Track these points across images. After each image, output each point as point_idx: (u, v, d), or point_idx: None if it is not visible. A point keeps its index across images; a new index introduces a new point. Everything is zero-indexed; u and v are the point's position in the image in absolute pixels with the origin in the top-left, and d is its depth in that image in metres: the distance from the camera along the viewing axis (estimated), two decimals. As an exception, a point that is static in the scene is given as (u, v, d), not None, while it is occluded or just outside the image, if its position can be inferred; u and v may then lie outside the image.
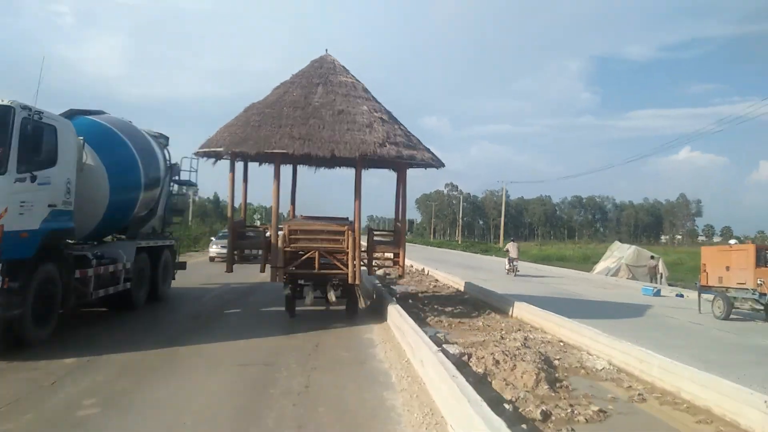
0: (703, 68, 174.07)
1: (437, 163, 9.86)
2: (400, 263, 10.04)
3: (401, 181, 10.31)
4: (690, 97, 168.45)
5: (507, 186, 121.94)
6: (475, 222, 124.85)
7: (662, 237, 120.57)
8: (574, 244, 60.66)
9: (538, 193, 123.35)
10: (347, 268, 9.04)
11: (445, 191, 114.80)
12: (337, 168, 12.99)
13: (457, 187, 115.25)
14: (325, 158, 11.68)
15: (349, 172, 12.55)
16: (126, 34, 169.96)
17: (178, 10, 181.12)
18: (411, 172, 11.21)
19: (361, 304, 9.38)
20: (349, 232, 9.18)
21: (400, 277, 10.72)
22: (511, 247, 21.08)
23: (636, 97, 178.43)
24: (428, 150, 9.84)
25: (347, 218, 11.86)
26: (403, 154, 9.01)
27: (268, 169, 10.44)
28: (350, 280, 9.02)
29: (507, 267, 20.47)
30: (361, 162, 9.26)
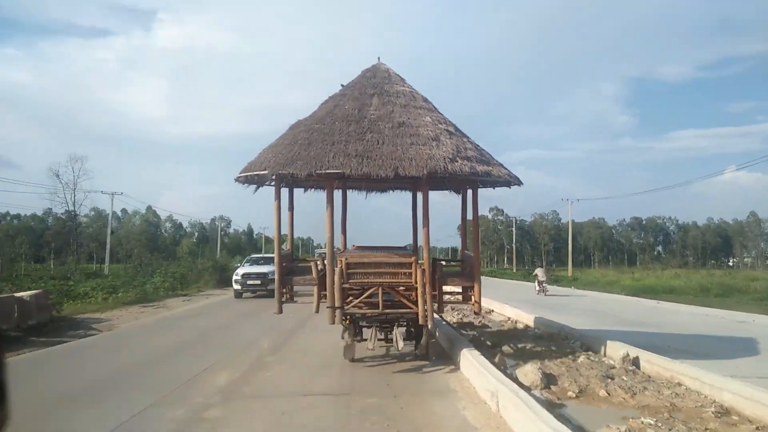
0: (744, 86, 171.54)
1: (515, 180, 8.78)
2: (476, 298, 8.88)
3: (473, 202, 9.26)
4: (732, 116, 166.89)
5: (559, 208, 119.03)
6: (523, 248, 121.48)
7: (731, 260, 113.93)
8: (670, 270, 52.06)
9: (590, 216, 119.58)
10: (416, 306, 8.00)
11: (490, 216, 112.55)
12: (391, 192, 12.19)
13: (502, 212, 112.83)
14: (381, 179, 11.13)
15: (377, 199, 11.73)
16: (166, 77, 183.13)
17: (216, 53, 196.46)
18: (442, 196, 10.20)
19: (423, 350, 8.28)
20: (417, 264, 8.17)
21: (476, 314, 9.52)
22: (540, 272, 25.80)
23: (675, 117, 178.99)
24: (503, 165, 8.79)
25: (406, 247, 10.91)
26: (477, 170, 7.98)
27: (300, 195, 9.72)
28: (421, 321, 7.95)
29: (537, 289, 24.72)
30: (428, 181, 8.28)
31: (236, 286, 21.92)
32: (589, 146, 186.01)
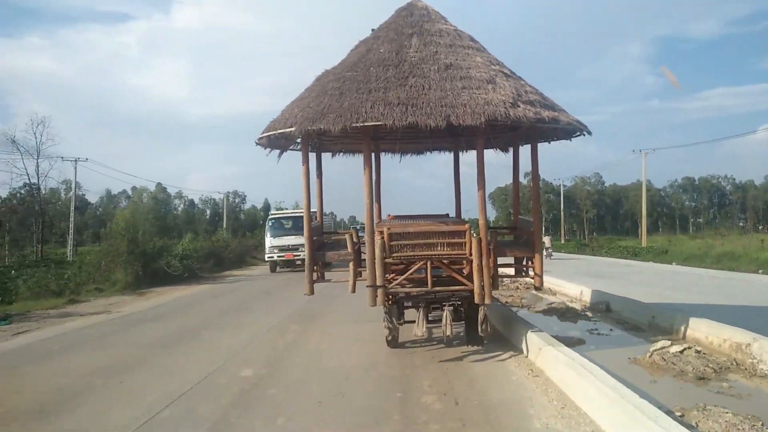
0: None
1: (584, 129, 7.92)
2: (536, 271, 8.12)
3: (533, 158, 8.43)
4: (764, 72, 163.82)
5: (605, 170, 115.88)
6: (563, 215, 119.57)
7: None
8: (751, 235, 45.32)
9: (635, 178, 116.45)
10: (471, 282, 7.30)
11: (525, 181, 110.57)
12: (428, 153, 11.44)
13: (540, 176, 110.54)
14: (421, 137, 10.38)
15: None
16: (187, 58, 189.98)
17: (235, 32, 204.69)
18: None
19: (484, 330, 7.56)
20: (471, 232, 7.44)
21: (538, 289, 8.78)
22: (546, 240, 29.50)
23: (705, 76, 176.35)
24: (566, 111, 7.91)
25: (447, 214, 10.22)
26: (543, 116, 7.12)
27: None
28: (477, 300, 7.26)
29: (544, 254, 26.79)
30: (483, 132, 7.47)
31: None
32: (617, 109, 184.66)
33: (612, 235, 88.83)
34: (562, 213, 78.15)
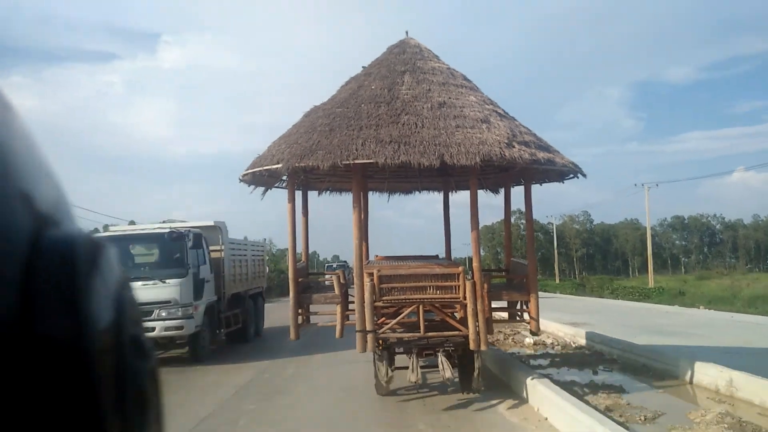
0: (751, 85, 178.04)
1: (579, 171, 8.01)
2: (532, 315, 8.08)
3: (526, 199, 8.50)
4: (739, 116, 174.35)
5: (593, 208, 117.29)
6: (551, 254, 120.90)
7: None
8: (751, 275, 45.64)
9: (622, 217, 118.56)
10: (466, 327, 7.21)
11: (513, 220, 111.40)
12: (419, 193, 11.51)
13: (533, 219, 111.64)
14: (410, 176, 10.43)
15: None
16: (172, 97, 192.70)
17: (219, 72, 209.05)
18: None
19: (478, 383, 7.46)
20: (464, 275, 7.41)
21: (535, 334, 8.72)
22: None
23: (682, 119, 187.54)
24: (562, 154, 8.01)
25: (437, 256, 10.20)
26: (539, 158, 7.20)
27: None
28: (473, 346, 7.16)
29: None
30: (477, 172, 7.52)
31: None
32: (596, 151, 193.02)
33: (602, 274, 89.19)
34: (555, 251, 78.23)
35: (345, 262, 48.36)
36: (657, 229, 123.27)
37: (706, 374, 8.07)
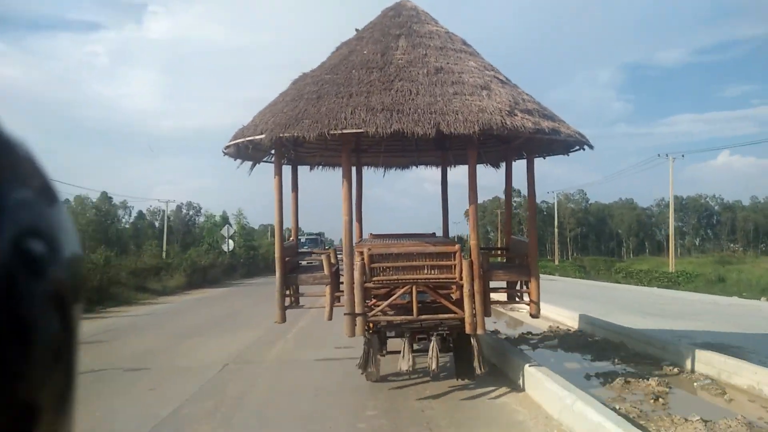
0: (740, 69, 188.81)
1: (586, 142, 7.85)
2: (532, 297, 7.97)
3: (528, 173, 8.32)
4: (728, 100, 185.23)
5: (589, 188, 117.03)
6: (546, 234, 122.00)
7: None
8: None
9: (617, 197, 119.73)
10: (462, 309, 7.08)
11: (504, 198, 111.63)
12: (414, 168, 11.34)
13: (519, 192, 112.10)
14: (406, 149, 10.22)
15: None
16: (158, 69, 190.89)
17: (209, 44, 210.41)
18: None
19: (481, 368, 7.32)
20: (461, 253, 7.25)
21: (534, 317, 8.60)
22: None
23: (671, 102, 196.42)
24: (567, 124, 7.83)
25: (434, 233, 10.05)
26: (543, 127, 7.01)
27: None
28: (469, 330, 7.04)
29: None
30: (476, 143, 7.32)
31: None
32: (586, 132, 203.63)
33: (596, 255, 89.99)
34: (555, 230, 78.23)
35: (318, 234, 45.89)
36: (654, 210, 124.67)
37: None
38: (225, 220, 52.53)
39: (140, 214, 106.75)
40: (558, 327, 12.68)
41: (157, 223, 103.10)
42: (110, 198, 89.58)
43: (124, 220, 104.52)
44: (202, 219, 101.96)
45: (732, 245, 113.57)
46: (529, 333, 11.93)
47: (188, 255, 35.79)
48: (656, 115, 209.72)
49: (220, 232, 42.02)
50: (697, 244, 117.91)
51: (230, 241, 39.21)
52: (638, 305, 16.52)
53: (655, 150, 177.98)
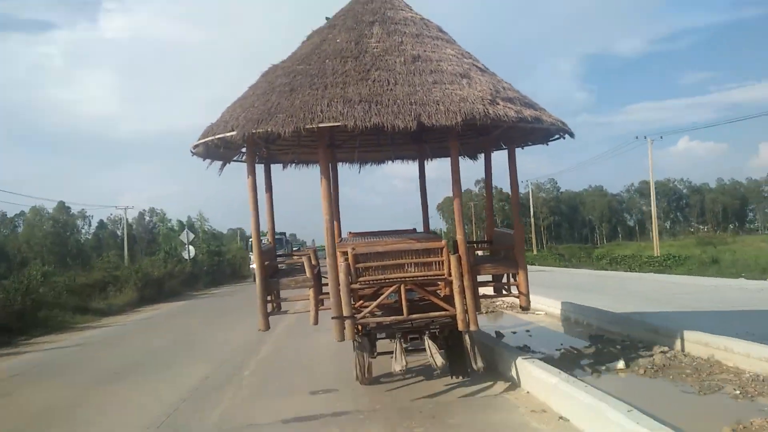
0: (696, 57, 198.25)
1: (568, 130, 7.76)
2: (521, 289, 7.86)
3: (510, 163, 8.20)
4: (685, 87, 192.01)
5: (557, 176, 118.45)
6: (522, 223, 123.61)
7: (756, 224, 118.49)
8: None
9: (587, 184, 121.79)
10: (454, 306, 6.90)
11: (477, 189, 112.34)
12: (390, 163, 11.08)
13: (494, 186, 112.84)
14: (381, 144, 9.99)
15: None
16: (115, 71, 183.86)
17: (169, 43, 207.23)
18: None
19: (478, 363, 7.14)
20: (448, 249, 7.09)
21: (525, 309, 8.50)
22: None
23: (631, 91, 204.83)
24: (549, 112, 7.73)
25: (414, 229, 9.89)
26: (525, 116, 6.88)
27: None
28: (461, 326, 6.88)
29: None
30: (457, 134, 7.15)
31: None
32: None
33: (570, 243, 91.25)
34: (532, 219, 78.81)
35: (282, 234, 41.86)
36: (624, 195, 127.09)
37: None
38: (183, 225, 50.69)
39: (101, 223, 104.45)
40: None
41: (119, 232, 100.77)
42: (68, 208, 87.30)
43: (84, 231, 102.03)
44: (168, 226, 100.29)
45: (701, 227, 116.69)
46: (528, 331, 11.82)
47: (138, 266, 30.98)
48: (617, 104, 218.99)
49: (179, 238, 40.21)
50: (668, 227, 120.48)
51: (190, 248, 37.75)
52: (659, 296, 14.24)
53: (618, 139, 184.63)
